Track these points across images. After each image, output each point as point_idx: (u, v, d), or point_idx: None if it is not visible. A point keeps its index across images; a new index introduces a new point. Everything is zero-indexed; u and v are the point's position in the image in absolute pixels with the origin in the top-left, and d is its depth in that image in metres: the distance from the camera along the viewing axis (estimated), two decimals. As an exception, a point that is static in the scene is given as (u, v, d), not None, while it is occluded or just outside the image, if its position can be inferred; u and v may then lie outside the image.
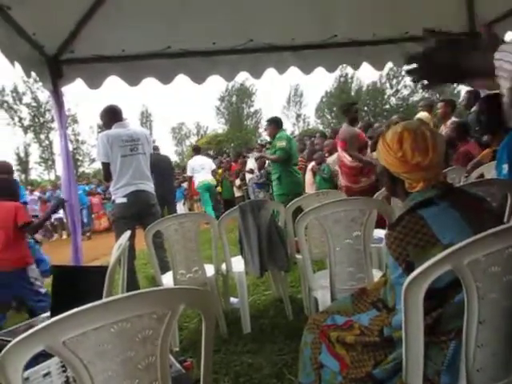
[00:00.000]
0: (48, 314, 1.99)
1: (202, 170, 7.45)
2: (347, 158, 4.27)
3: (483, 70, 0.82)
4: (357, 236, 1.85)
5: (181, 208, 10.41)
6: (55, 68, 3.10)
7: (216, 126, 41.10)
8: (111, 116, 3.36)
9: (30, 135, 32.70)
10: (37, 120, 32.49)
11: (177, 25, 3.10)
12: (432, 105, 5.52)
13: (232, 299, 3.23)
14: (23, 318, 3.05)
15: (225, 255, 2.70)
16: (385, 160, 1.22)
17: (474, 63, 0.84)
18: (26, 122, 32.55)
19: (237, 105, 40.32)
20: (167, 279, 2.65)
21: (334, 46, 3.62)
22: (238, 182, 8.63)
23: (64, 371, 1.33)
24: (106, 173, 3.27)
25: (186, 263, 2.56)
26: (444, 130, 4.46)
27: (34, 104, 32.16)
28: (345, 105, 4.51)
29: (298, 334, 2.52)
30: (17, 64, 2.45)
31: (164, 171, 6.03)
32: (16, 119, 32.19)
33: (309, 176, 5.96)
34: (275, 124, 4.66)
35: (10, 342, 0.79)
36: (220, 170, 9.65)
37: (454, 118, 4.55)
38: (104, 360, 0.84)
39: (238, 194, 8.86)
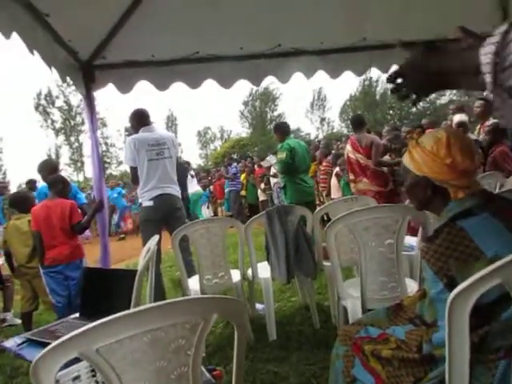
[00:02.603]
0: (77, 315, 2.03)
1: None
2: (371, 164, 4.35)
3: (472, 69, 0.75)
4: (389, 244, 1.78)
5: (205, 211, 10.49)
6: (88, 73, 3.18)
7: (240, 130, 41.38)
8: (139, 119, 3.42)
9: (61, 137, 33.96)
10: (68, 123, 33.73)
11: (205, 30, 3.11)
12: (463, 107, 5.32)
13: (257, 305, 3.20)
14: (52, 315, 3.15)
15: (251, 260, 2.67)
16: (429, 168, 1.15)
17: (462, 64, 0.79)
18: (58, 125, 33.85)
19: (260, 109, 40.45)
20: (193, 283, 2.65)
21: (362, 50, 3.56)
22: (262, 185, 8.61)
23: (93, 376, 1.33)
24: (134, 176, 3.32)
25: (212, 268, 2.56)
26: (482, 130, 4.26)
27: (66, 107, 33.45)
28: (357, 118, 4.74)
29: (326, 343, 2.49)
30: (53, 69, 2.53)
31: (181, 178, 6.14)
32: (49, 122, 33.57)
33: (334, 181, 5.88)
34: (280, 131, 4.56)
35: (42, 342, 0.80)
36: (244, 174, 9.66)
37: (492, 120, 4.34)
38: (137, 369, 0.83)
39: (262, 197, 8.84)
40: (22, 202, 3.11)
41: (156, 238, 1.96)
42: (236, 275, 2.73)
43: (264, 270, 2.71)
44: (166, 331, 0.81)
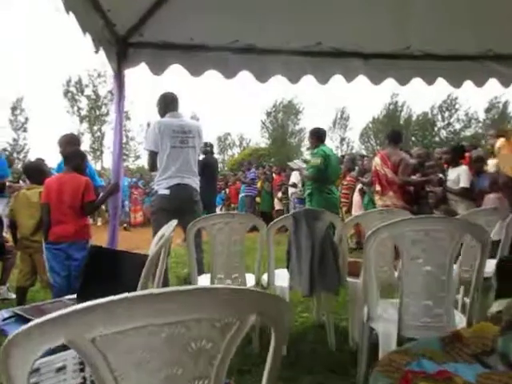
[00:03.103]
0: (74, 296, 1.82)
1: None
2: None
3: None
4: (440, 263, 1.53)
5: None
6: (123, 49, 3.04)
7: (259, 139, 41.29)
8: (167, 103, 3.26)
9: (85, 125, 34.43)
10: (93, 112, 34.20)
11: (247, 19, 2.94)
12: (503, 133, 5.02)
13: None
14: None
15: (269, 265, 2.44)
16: None
17: None
18: (83, 113, 34.37)
19: (282, 121, 40.38)
20: (202, 282, 2.43)
21: (407, 58, 3.34)
22: (279, 194, 8.38)
23: (82, 370, 1.12)
24: (152, 162, 3.14)
25: (226, 268, 2.33)
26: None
27: (94, 97, 33.99)
28: (394, 133, 4.64)
29: (342, 367, 2.23)
30: (87, 35, 2.39)
31: (212, 174, 5.98)
32: (75, 108, 34.14)
33: (357, 197, 5.61)
34: (316, 137, 4.40)
35: (30, 320, 0.59)
36: (260, 182, 9.45)
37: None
38: (141, 372, 0.61)
39: (278, 207, 8.60)
40: (35, 172, 2.96)
41: (173, 223, 1.75)
42: (250, 280, 2.50)
43: (281, 278, 2.47)
44: (188, 326, 0.59)
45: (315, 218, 2.31)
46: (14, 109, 32.95)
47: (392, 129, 4.91)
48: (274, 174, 9.76)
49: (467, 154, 4.28)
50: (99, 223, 9.47)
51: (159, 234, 1.82)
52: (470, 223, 1.49)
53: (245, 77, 3.32)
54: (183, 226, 3.24)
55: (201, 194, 3.35)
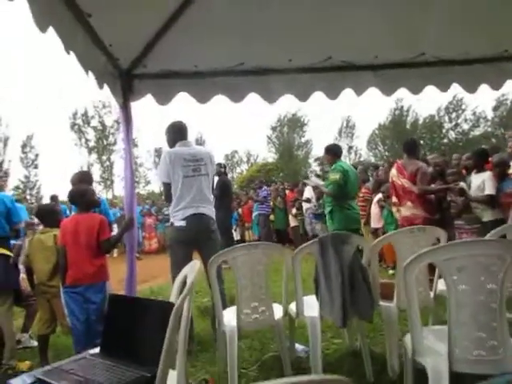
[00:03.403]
0: (96, 350, 1.71)
1: None
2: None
3: None
4: (491, 290, 1.40)
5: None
6: (127, 82, 3.02)
7: (266, 155, 41.36)
8: (176, 132, 3.22)
9: (94, 156, 34.97)
10: (101, 142, 34.79)
11: (251, 41, 2.89)
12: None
13: (297, 346, 2.81)
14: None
15: (296, 295, 2.31)
16: None
17: None
18: (91, 144, 34.95)
19: (288, 135, 40.48)
20: (228, 317, 2.31)
21: (420, 66, 3.25)
22: (294, 210, 8.25)
23: None
24: (168, 193, 3.07)
25: (252, 301, 2.21)
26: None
27: (100, 127, 34.63)
28: (409, 142, 4.50)
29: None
30: (90, 74, 2.36)
31: (228, 196, 5.94)
32: (83, 140, 34.76)
33: (375, 209, 5.46)
34: (332, 153, 4.31)
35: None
36: (272, 199, 9.34)
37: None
38: None
39: (293, 223, 8.45)
40: (48, 215, 2.90)
41: (195, 265, 1.64)
42: (277, 311, 2.37)
43: (310, 307, 2.33)
44: None
45: (343, 242, 2.18)
46: (23, 146, 33.68)
47: (407, 139, 4.79)
48: (286, 190, 9.65)
49: (490, 159, 4.14)
50: (115, 254, 9.41)
51: (180, 277, 1.71)
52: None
53: (253, 99, 3.27)
54: (202, 256, 3.17)
55: (217, 217, 3.26)
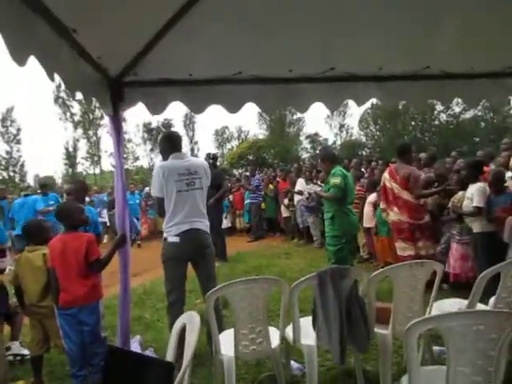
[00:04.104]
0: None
1: None
2: (409, 195, 4.21)
3: None
4: (489, 356, 1.38)
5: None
6: (117, 91, 2.85)
7: (257, 131, 40.94)
8: (170, 144, 3.09)
9: (80, 131, 34.09)
10: (87, 116, 33.83)
11: (249, 50, 2.74)
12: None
13: (293, 363, 2.82)
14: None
15: (294, 327, 2.29)
16: None
17: None
18: (77, 118, 33.98)
19: (280, 112, 39.94)
20: (225, 344, 2.28)
21: (424, 79, 3.15)
22: (286, 201, 8.20)
23: None
24: (161, 208, 2.98)
25: (250, 334, 2.19)
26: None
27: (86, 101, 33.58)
28: (402, 146, 4.61)
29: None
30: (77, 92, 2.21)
31: (218, 190, 5.82)
32: (68, 115, 33.74)
33: (368, 209, 5.45)
34: (329, 160, 4.24)
35: None
36: (264, 187, 9.27)
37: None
38: None
39: (285, 214, 8.43)
40: (36, 232, 2.79)
41: (194, 322, 1.58)
42: (274, 336, 2.35)
43: (306, 334, 2.32)
44: None
45: (341, 276, 2.15)
46: (3, 120, 32.43)
47: (400, 142, 4.93)
48: (278, 178, 9.58)
49: (486, 169, 4.13)
50: (105, 240, 9.34)
51: (177, 326, 1.66)
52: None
53: (250, 109, 3.14)
54: (197, 271, 3.12)
55: (208, 213, 3.18)
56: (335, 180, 4.00)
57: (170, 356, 1.58)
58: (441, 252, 4.22)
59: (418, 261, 2.32)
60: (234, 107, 3.06)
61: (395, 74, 3.08)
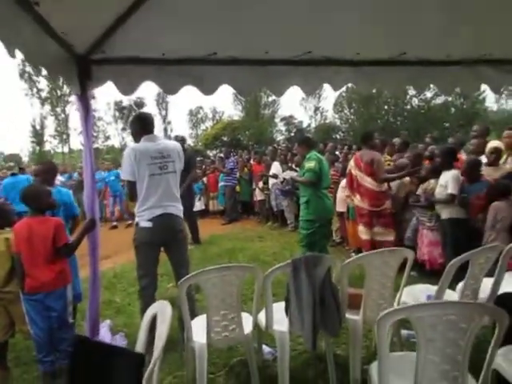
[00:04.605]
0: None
1: None
2: (372, 183, 4.35)
3: None
4: (458, 345, 1.43)
5: (195, 204, 9.97)
6: (84, 69, 2.69)
7: (232, 112, 40.40)
8: (142, 126, 2.97)
9: (47, 107, 32.48)
10: (54, 92, 32.21)
11: (226, 29, 2.63)
12: (487, 130, 4.97)
13: (264, 347, 2.85)
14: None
15: (266, 313, 2.31)
16: None
17: None
18: (44, 94, 32.29)
19: (255, 93, 39.45)
20: (197, 331, 2.27)
21: (400, 65, 3.15)
22: (260, 184, 8.18)
23: None
24: (132, 192, 2.88)
25: (223, 321, 2.18)
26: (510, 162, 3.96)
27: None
28: (365, 133, 4.77)
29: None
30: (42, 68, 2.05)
31: (187, 173, 5.67)
32: (34, 90, 32.00)
33: (341, 193, 5.51)
34: (306, 144, 4.29)
35: None
36: (239, 170, 9.19)
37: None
38: None
39: (259, 197, 8.41)
40: None
41: (166, 312, 1.55)
42: (247, 322, 2.35)
43: (279, 321, 2.34)
44: None
45: (315, 264, 2.16)
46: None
47: (363, 132, 5.12)
48: (252, 161, 9.52)
49: (459, 156, 4.24)
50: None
51: (148, 315, 1.62)
52: (489, 307, 1.39)
53: (225, 89, 3.05)
54: (170, 256, 3.07)
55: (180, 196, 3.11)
56: (310, 164, 4.02)
57: (140, 344, 1.55)
58: (408, 238, 4.34)
59: (389, 248, 2.37)
60: (208, 89, 2.96)
61: (372, 59, 3.07)
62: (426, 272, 4.10)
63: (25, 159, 30.49)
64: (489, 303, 1.44)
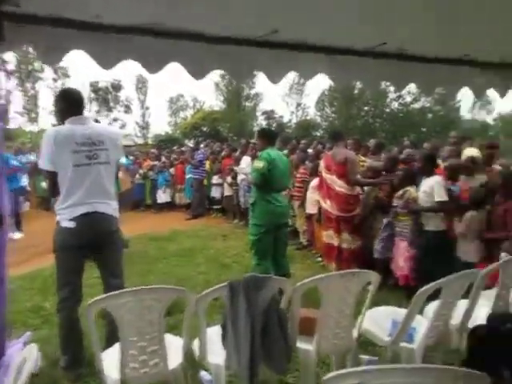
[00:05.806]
0: None
1: None
2: (343, 186, 4.09)
3: None
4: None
5: (160, 196, 9.43)
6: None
7: (213, 102, 39.51)
8: (68, 104, 2.47)
9: (14, 82, 30.54)
10: (23, 67, 30.33)
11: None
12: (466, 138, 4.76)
13: (203, 374, 2.43)
14: None
15: (200, 343, 1.88)
16: None
17: None
18: (10, 67, 30.33)
19: (237, 85, 38.69)
20: (110, 363, 1.82)
21: (379, 57, 2.77)
22: (229, 179, 7.72)
23: None
24: (52, 185, 2.38)
25: (140, 355, 1.74)
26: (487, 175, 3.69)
27: (23, 49, 30.07)
28: (336, 132, 4.77)
29: None
30: None
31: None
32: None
33: (311, 194, 5.14)
34: (265, 138, 3.78)
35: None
36: (209, 163, 8.68)
37: (498, 166, 3.83)
38: None
39: (227, 192, 7.94)
40: None
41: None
42: (177, 349, 1.91)
43: (215, 352, 1.92)
44: None
45: (258, 287, 1.75)
46: None
47: (332, 130, 4.93)
48: (222, 153, 9.04)
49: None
50: (27, 208, 8.36)
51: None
52: (466, 373, 1.01)
53: (175, 70, 2.59)
54: (99, 263, 2.60)
55: None
56: (258, 164, 3.59)
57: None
58: (378, 251, 3.95)
59: (350, 270, 1.99)
60: (153, 65, 2.48)
61: (348, 48, 2.67)
62: (398, 287, 3.75)
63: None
64: (463, 368, 1.06)
